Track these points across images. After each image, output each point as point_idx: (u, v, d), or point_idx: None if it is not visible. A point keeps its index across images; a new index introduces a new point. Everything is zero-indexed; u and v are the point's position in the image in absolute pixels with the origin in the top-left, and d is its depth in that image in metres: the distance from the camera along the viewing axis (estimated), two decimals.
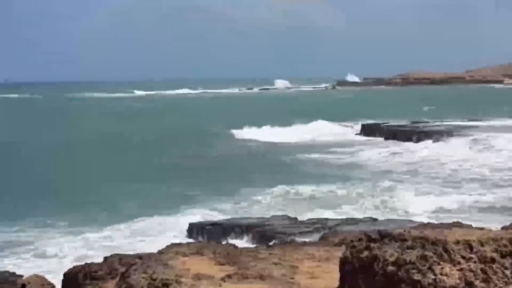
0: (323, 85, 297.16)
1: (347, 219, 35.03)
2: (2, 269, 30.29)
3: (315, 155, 68.69)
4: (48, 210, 42.27)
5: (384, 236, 13.65)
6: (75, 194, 48.27)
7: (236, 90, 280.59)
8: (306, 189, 48.07)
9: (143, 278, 13.67)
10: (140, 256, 16.98)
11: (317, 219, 36.01)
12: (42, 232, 37.56)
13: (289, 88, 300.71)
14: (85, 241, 34.67)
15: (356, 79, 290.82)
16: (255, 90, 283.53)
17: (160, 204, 44.91)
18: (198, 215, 40.88)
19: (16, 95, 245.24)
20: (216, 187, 50.33)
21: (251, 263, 15.24)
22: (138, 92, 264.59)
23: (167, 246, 16.67)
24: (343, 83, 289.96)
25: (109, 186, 51.24)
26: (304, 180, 52.36)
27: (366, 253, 13.21)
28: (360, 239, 13.41)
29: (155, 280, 13.38)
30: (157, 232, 37.24)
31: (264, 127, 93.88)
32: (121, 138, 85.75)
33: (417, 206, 40.79)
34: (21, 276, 27.53)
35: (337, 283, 13.85)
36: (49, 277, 24.03)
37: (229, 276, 13.38)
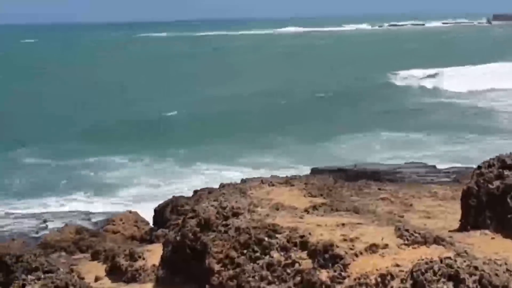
0: (483, 20, 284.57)
1: None
2: (102, 209, 30.33)
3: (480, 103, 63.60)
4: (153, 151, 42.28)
5: None
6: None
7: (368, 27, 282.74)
8: (458, 139, 44.90)
9: (212, 206, 11.82)
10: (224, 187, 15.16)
11: (460, 167, 32.67)
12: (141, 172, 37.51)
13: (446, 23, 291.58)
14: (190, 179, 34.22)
15: None
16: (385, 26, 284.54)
17: (286, 144, 43.76)
18: (320, 160, 39.03)
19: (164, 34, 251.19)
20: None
21: (352, 197, 12.97)
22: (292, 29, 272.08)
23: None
24: (500, 16, 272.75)
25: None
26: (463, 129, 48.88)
27: (497, 183, 10.47)
28: (490, 165, 10.69)
29: (224, 208, 11.49)
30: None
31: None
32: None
33: None
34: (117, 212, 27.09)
35: (458, 225, 11.30)
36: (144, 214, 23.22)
37: (314, 208, 11.20)
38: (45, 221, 32.27)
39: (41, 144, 45.23)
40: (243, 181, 13.97)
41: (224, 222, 10.94)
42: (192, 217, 11.86)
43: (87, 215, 32.27)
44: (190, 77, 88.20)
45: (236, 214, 11.24)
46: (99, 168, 39.14)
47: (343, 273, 9.02)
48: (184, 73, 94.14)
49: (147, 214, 23.48)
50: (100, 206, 32.95)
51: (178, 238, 11.94)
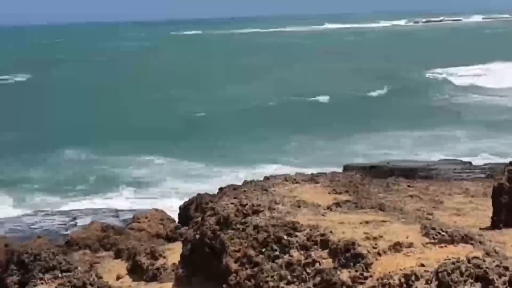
0: None
1: None
2: (132, 207, 30.30)
3: None
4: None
5: None
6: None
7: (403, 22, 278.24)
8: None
9: (231, 203, 11.49)
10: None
11: (496, 163, 31.80)
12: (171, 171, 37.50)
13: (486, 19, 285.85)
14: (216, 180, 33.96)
15: None
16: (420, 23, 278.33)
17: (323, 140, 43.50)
18: (359, 156, 38.58)
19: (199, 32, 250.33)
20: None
21: (380, 194, 12.52)
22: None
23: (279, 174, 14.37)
24: None
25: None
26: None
27: None
28: None
29: (244, 206, 11.14)
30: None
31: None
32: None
33: None
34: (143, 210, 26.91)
35: (489, 223, 10.79)
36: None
37: (338, 205, 10.78)
38: (74, 218, 32.34)
39: (72, 143, 45.39)
40: (266, 178, 13.60)
41: (242, 220, 10.59)
42: (211, 215, 11.54)
43: (116, 212, 32.29)
44: (232, 76, 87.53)
45: (256, 212, 10.88)
46: (128, 166, 39.17)
47: (365, 273, 8.61)
48: (233, 71, 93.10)
49: (176, 212, 23.32)
50: (129, 204, 32.93)
51: (197, 236, 11.63)
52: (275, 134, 47.36)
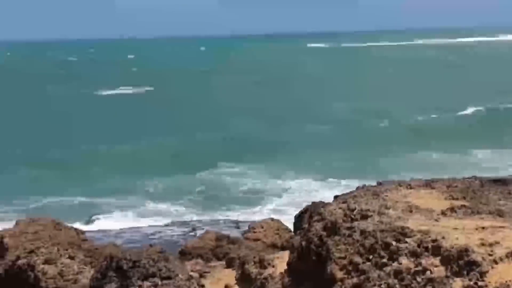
0: None
1: None
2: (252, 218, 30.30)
3: None
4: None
5: None
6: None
7: None
8: None
9: (340, 208, 10.99)
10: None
11: None
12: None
13: None
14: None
15: None
16: None
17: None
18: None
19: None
20: None
21: (500, 201, 11.60)
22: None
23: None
24: None
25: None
26: None
27: None
28: None
29: (352, 210, 10.61)
30: None
31: None
32: None
33: None
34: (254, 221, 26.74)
35: None
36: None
37: (453, 210, 10.03)
38: (194, 229, 32.73)
39: (193, 155, 46.10)
40: (379, 183, 12.97)
41: (349, 225, 10.06)
42: (318, 220, 11.10)
43: (237, 223, 32.41)
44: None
45: (364, 217, 10.33)
46: (248, 178, 39.27)
47: (479, 282, 7.88)
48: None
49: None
50: (249, 215, 32.96)
51: (303, 243, 11.20)
52: (407, 147, 46.56)
